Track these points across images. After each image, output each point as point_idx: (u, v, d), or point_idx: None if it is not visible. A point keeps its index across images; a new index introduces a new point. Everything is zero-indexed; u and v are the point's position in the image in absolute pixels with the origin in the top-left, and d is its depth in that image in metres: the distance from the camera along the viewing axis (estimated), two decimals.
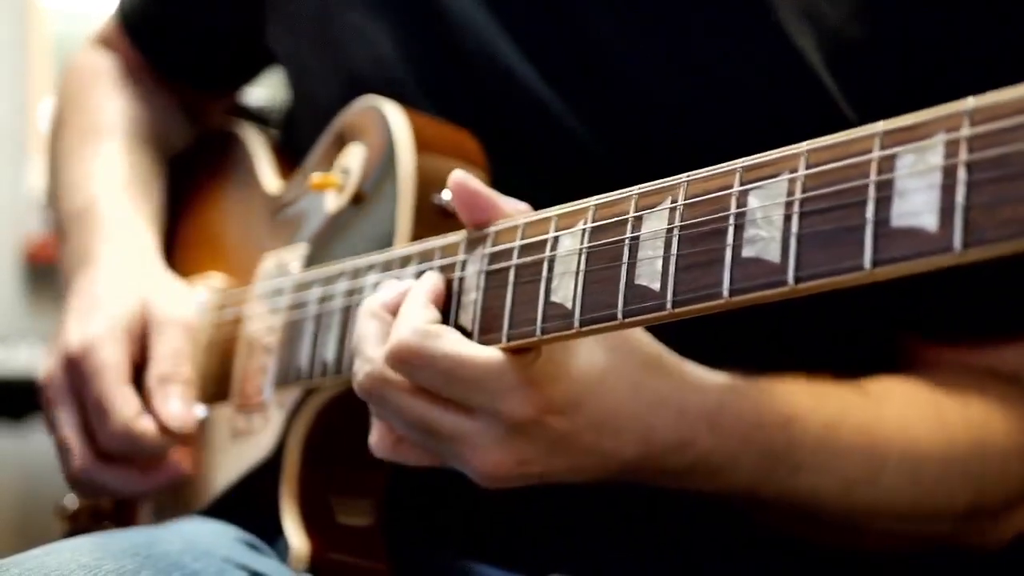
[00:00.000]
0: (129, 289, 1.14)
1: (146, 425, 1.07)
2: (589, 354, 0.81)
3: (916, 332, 1.01)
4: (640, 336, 0.83)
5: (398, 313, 0.82)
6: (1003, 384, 0.98)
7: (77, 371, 1.11)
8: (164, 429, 1.07)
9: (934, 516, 0.95)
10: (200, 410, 1.11)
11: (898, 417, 0.94)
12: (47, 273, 3.26)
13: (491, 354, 0.78)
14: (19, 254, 3.42)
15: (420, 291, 0.83)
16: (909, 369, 0.99)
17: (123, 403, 1.08)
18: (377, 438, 0.86)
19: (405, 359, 0.79)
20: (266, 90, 1.42)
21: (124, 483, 1.12)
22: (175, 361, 1.10)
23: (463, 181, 0.83)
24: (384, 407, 0.83)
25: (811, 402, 0.89)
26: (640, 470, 0.85)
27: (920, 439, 0.93)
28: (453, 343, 0.78)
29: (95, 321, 1.12)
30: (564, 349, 0.80)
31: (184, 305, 1.15)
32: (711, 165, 1.00)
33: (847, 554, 1.01)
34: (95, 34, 1.41)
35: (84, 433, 1.11)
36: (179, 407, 1.08)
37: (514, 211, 0.82)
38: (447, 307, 0.83)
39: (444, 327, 0.80)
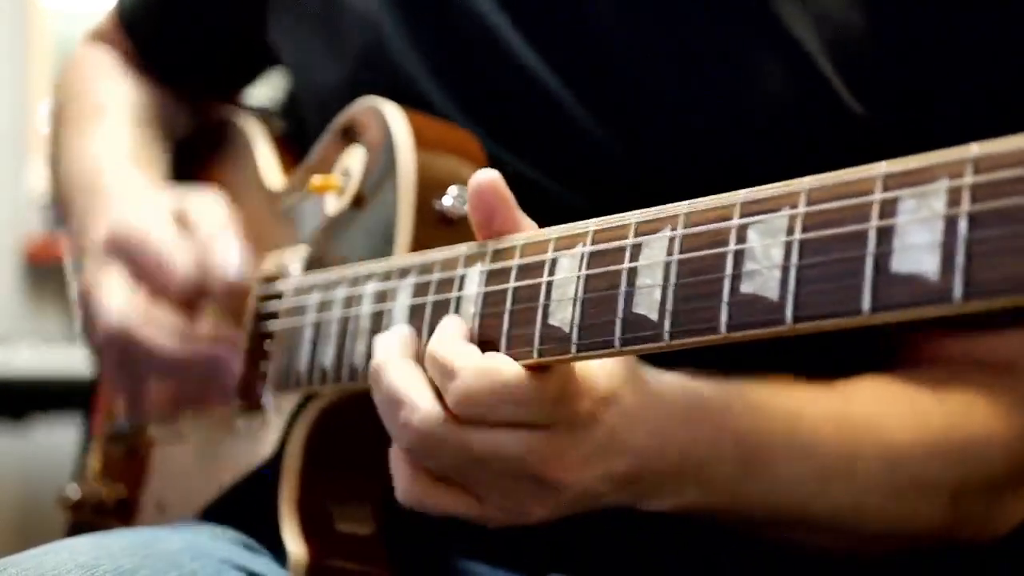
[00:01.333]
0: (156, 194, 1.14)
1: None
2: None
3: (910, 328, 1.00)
4: None
5: (445, 358, 0.78)
6: (989, 375, 0.98)
7: (121, 244, 1.07)
8: (223, 284, 1.05)
9: (917, 511, 0.95)
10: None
11: (867, 409, 0.93)
12: (47, 273, 3.27)
13: (542, 371, 0.76)
14: (19, 254, 3.42)
15: (454, 330, 0.80)
16: (899, 366, 0.98)
17: (186, 253, 1.05)
18: (412, 483, 0.81)
19: (480, 401, 0.76)
20: (266, 90, 1.41)
21: (170, 329, 1.06)
22: (222, 224, 1.08)
23: (492, 186, 0.80)
24: (441, 450, 0.79)
25: (771, 391, 0.89)
26: (640, 477, 0.84)
27: (892, 429, 0.93)
28: (515, 373, 0.76)
29: (122, 209, 1.11)
30: None
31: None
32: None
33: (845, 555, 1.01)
34: (92, 30, 1.40)
35: (133, 284, 1.07)
36: (236, 254, 1.06)
37: (528, 228, 0.80)
38: None
39: (498, 356, 0.77)
